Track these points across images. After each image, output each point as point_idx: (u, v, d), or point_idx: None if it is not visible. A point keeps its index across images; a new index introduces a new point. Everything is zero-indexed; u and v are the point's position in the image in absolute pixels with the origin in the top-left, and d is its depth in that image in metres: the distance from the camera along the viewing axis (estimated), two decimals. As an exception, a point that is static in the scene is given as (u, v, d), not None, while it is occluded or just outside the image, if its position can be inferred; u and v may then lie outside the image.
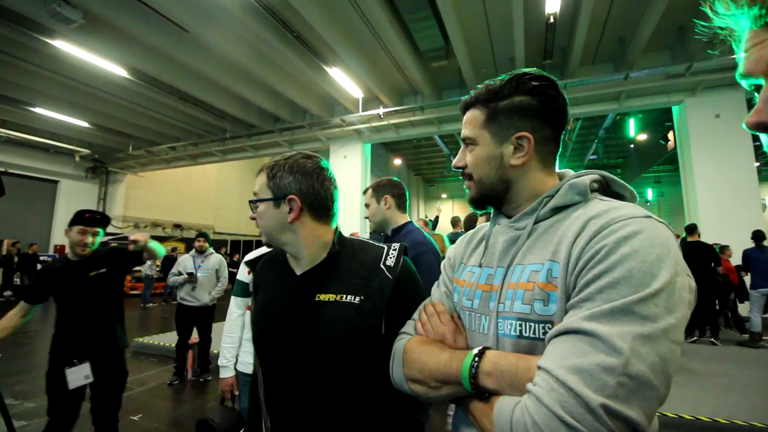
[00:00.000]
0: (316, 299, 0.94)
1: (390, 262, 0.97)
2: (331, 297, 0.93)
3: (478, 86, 0.80)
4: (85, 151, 13.23)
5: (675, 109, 8.51)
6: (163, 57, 7.51)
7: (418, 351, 0.75)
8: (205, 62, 7.53)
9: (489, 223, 0.84)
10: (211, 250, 4.58)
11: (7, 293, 11.56)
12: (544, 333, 0.61)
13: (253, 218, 1.03)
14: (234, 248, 16.32)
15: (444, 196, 26.82)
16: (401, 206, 1.84)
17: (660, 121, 12.40)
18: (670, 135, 10.30)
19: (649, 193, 21.21)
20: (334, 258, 0.99)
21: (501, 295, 0.69)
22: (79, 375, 2.13)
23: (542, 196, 0.73)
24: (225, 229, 17.93)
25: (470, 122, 0.79)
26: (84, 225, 2.23)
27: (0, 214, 11.72)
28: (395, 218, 1.82)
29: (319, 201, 1.00)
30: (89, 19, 6.07)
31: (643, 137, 13.81)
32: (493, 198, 0.79)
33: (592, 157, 16.02)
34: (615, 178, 0.74)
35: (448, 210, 25.33)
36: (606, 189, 0.75)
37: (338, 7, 6.21)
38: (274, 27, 6.45)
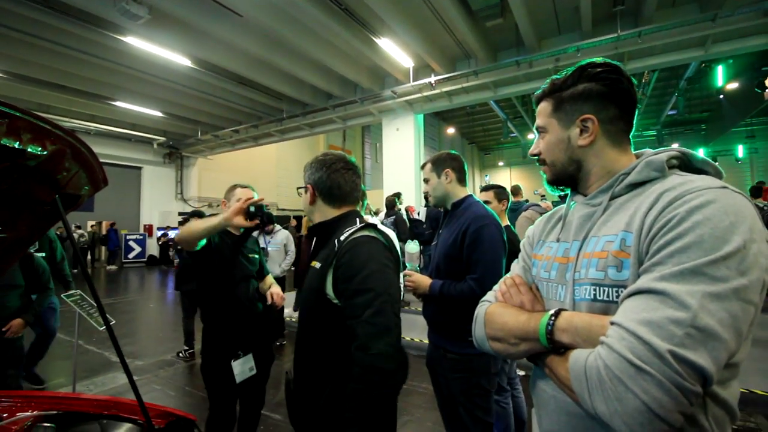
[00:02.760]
0: (311, 265, 1.26)
1: (342, 237, 1.17)
2: (313, 263, 1.23)
3: (548, 79, 0.88)
4: (161, 138, 14.46)
5: (777, 50, 7.31)
6: (220, 43, 7.84)
7: (499, 313, 0.85)
8: (259, 45, 7.76)
9: (565, 204, 0.92)
10: (278, 227, 4.88)
11: (112, 267, 13.34)
12: (617, 296, 0.66)
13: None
14: (299, 222, 17.14)
15: (501, 164, 25.78)
16: (462, 180, 1.83)
17: (755, 66, 10.75)
18: (769, 81, 8.91)
19: (740, 150, 18.80)
20: (311, 232, 1.32)
21: (576, 265, 0.76)
22: (244, 368, 1.98)
23: (618, 174, 0.77)
24: (287, 206, 18.84)
25: (541, 113, 0.87)
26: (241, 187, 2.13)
27: (99, 200, 13.34)
28: (456, 192, 1.81)
29: (328, 188, 1.28)
30: (154, 13, 6.47)
31: (733, 86, 12.11)
32: (566, 178, 0.86)
33: (671, 112, 14.44)
34: (696, 154, 0.75)
35: (506, 178, 24.36)
36: (687, 166, 0.76)
37: (386, -26, 6.02)
38: (322, 2, 6.44)
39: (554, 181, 0.88)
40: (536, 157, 0.90)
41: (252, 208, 1.75)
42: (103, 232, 13.78)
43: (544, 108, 0.86)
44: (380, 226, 1.27)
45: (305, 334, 1.23)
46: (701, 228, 0.56)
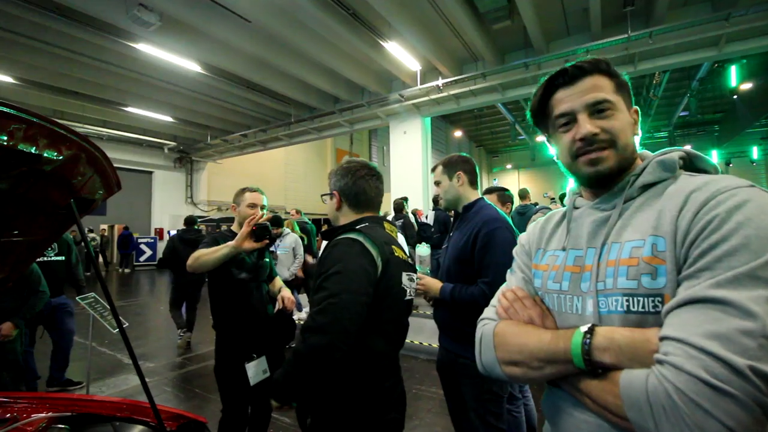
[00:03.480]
0: None
1: (332, 239, 1.27)
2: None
3: (579, 59, 0.79)
4: (172, 143, 14.66)
5: (792, 49, 7.17)
6: (229, 49, 7.94)
7: (513, 333, 0.75)
8: (267, 49, 7.84)
9: (565, 208, 0.84)
10: (287, 230, 4.90)
11: (125, 270, 13.52)
12: (654, 306, 0.61)
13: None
14: (304, 228, 17.22)
15: (509, 166, 25.63)
16: (473, 182, 1.81)
17: (771, 65, 10.56)
18: (785, 80, 8.74)
19: (755, 152, 18.47)
20: (324, 235, 1.40)
21: (599, 274, 0.69)
22: (258, 370, 1.96)
23: (629, 176, 0.73)
24: (304, 209, 18.94)
25: (600, 87, 0.74)
26: (251, 191, 2.14)
27: (112, 204, 13.54)
28: (468, 195, 1.80)
29: (354, 194, 1.36)
30: (164, 20, 6.58)
31: (747, 86, 11.88)
32: (623, 170, 0.74)
33: (683, 113, 14.23)
34: (699, 153, 0.73)
35: (514, 181, 24.21)
36: (689, 166, 0.74)
37: (393, -22, 6.05)
38: (329, 6, 6.49)
39: (616, 172, 0.73)
40: (595, 138, 0.72)
41: (258, 229, 1.80)
42: (116, 235, 13.98)
43: (602, 83, 0.74)
44: None
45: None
46: (745, 229, 0.53)
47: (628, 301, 0.64)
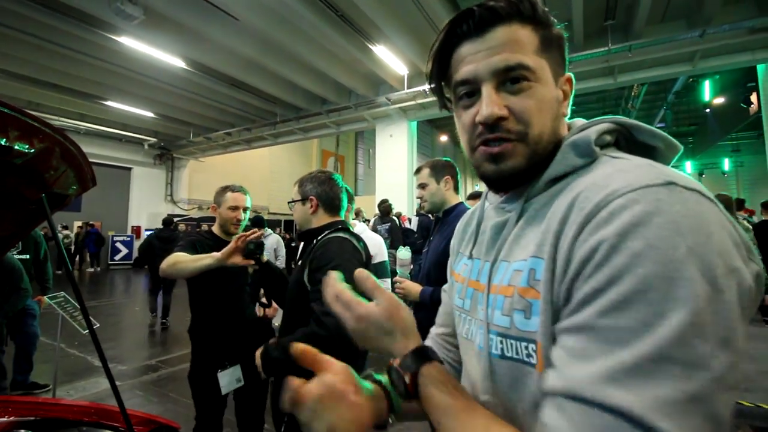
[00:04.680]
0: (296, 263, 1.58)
1: (320, 237, 1.42)
2: (299, 262, 1.49)
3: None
4: (152, 139, 14.31)
5: (760, 68, 7.54)
6: (215, 46, 7.82)
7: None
8: (255, 48, 7.75)
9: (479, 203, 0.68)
10: (269, 231, 4.84)
11: (95, 269, 13.05)
12: (528, 355, 0.46)
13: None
14: (287, 227, 17.05)
15: (493, 172, 25.99)
16: (457, 188, 1.84)
17: (741, 82, 11.06)
18: (753, 97, 9.18)
19: (726, 164, 19.24)
20: (302, 236, 1.55)
21: (487, 300, 0.54)
22: (231, 379, 1.85)
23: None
24: (279, 210, 18.74)
25: (518, 44, 0.50)
26: (233, 192, 1.98)
27: (87, 200, 13.12)
28: (451, 199, 1.82)
29: (330, 200, 1.51)
30: (149, 14, 6.44)
31: (720, 101, 12.43)
32: (536, 166, 0.53)
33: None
34: (639, 123, 0.52)
35: (497, 187, 24.50)
36: (630, 140, 0.53)
37: (382, -18, 6.08)
38: (319, 8, 6.47)
39: (525, 170, 0.52)
40: (499, 124, 0.51)
41: (251, 246, 1.62)
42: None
43: (522, 37, 0.51)
44: (367, 232, 1.41)
45: (289, 323, 1.42)
46: (645, 264, 0.34)
47: (502, 342, 0.50)
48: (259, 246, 1.65)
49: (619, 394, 0.33)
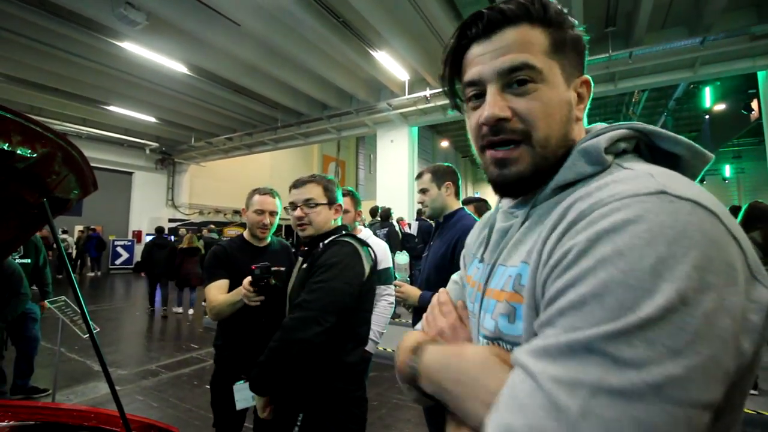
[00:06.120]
0: (301, 267, 1.53)
1: (326, 241, 1.44)
2: (303, 266, 1.49)
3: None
4: (154, 144, 14.35)
5: (761, 75, 7.54)
6: (218, 52, 7.87)
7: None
8: (256, 54, 7.80)
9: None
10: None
11: (95, 273, 13.04)
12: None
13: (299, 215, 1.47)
14: (288, 233, 17.04)
15: (493, 177, 25.97)
16: (457, 193, 1.85)
17: (742, 89, 11.08)
18: (754, 104, 9.20)
19: (727, 170, 19.24)
20: (313, 241, 1.52)
21: (481, 303, 0.56)
22: (247, 394, 1.69)
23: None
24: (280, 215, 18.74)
25: (526, 45, 0.50)
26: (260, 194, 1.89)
27: (88, 204, 13.14)
28: (451, 205, 1.83)
29: (343, 207, 1.59)
30: (152, 20, 6.49)
31: (720, 107, 12.43)
32: (546, 173, 0.52)
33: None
34: (659, 130, 0.49)
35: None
36: (652, 148, 0.51)
37: (384, -11, 6.13)
38: (320, 14, 6.52)
39: (530, 176, 0.52)
40: (502, 126, 0.51)
41: (257, 273, 1.58)
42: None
43: (529, 38, 0.50)
44: (372, 238, 1.44)
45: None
46: (607, 269, 0.34)
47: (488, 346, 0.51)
48: (265, 271, 1.54)
49: (539, 366, 0.35)
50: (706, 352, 0.31)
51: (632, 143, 0.50)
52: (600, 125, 0.54)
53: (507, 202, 0.61)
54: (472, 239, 0.74)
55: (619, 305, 0.32)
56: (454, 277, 0.77)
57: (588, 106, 0.56)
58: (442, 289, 0.73)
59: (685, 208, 0.35)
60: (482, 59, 0.52)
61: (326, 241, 1.44)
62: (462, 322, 0.63)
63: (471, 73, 0.53)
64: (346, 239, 1.44)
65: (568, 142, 0.52)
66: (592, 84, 0.55)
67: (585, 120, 0.57)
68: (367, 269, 1.41)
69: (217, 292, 1.76)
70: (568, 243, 0.39)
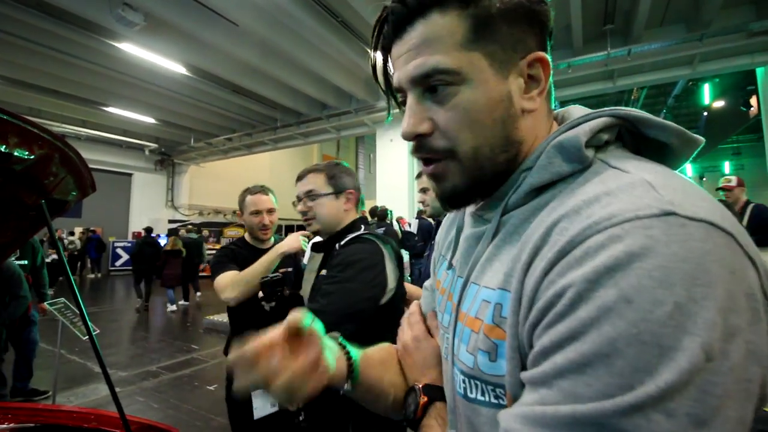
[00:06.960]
0: (320, 274, 1.32)
1: (342, 242, 1.25)
2: (322, 272, 1.29)
3: None
4: (153, 145, 14.35)
5: (759, 71, 7.57)
6: (216, 52, 7.86)
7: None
8: (255, 54, 7.79)
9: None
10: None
11: (96, 275, 13.03)
12: (496, 398, 0.40)
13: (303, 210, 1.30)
14: (288, 233, 17.04)
15: (493, 176, 26.02)
16: (458, 193, 1.84)
17: (741, 86, 11.08)
18: (753, 100, 9.20)
19: (726, 167, 19.25)
20: (331, 240, 1.33)
21: (455, 329, 0.48)
22: (265, 402, 1.62)
23: (519, 169, 0.44)
24: (279, 215, 18.75)
25: (435, 42, 0.41)
26: (251, 194, 1.83)
27: (88, 206, 13.14)
28: (452, 203, 1.82)
29: (358, 193, 1.34)
30: (150, 21, 6.48)
31: (719, 104, 12.45)
32: (492, 181, 0.45)
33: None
34: (646, 116, 0.41)
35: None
36: (636, 135, 0.43)
37: (382, -12, 6.12)
38: (319, 14, 6.51)
39: (468, 190, 0.46)
40: (423, 142, 0.45)
41: (266, 281, 1.54)
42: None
43: (440, 31, 0.41)
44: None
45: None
46: (613, 321, 0.28)
47: (465, 383, 0.44)
48: (277, 283, 1.48)
49: (519, 428, 0.31)
50: (734, 415, 0.26)
51: (614, 131, 0.43)
52: (576, 110, 0.47)
53: (472, 207, 0.52)
54: (441, 237, 0.67)
55: (632, 369, 0.26)
56: (426, 284, 0.71)
57: (550, 90, 0.46)
58: (415, 301, 0.70)
59: (699, 233, 0.29)
60: (398, 63, 0.45)
61: (342, 242, 1.24)
62: (429, 334, 0.60)
63: (394, 79, 0.47)
64: (367, 236, 1.23)
65: (513, 146, 0.44)
66: (550, 61, 0.43)
67: (553, 103, 0.48)
68: (392, 277, 1.18)
69: (234, 275, 1.65)
70: (561, 282, 0.32)
